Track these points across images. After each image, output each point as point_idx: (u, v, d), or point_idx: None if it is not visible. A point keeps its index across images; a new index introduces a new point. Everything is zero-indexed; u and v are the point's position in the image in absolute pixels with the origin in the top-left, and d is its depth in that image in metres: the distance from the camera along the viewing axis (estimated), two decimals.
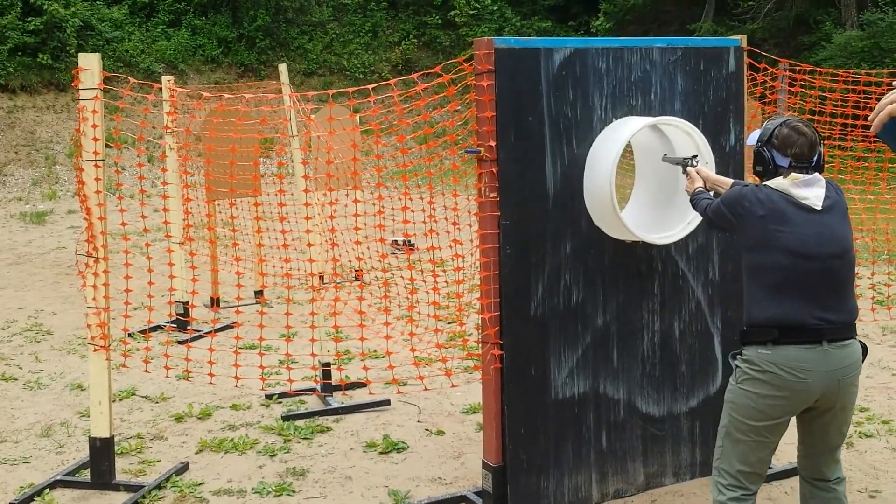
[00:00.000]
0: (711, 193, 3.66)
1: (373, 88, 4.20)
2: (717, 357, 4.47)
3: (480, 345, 4.06)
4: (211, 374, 4.82)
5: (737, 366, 3.30)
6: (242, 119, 6.96)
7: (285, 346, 5.94)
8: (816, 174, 3.24)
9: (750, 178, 3.90)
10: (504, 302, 3.94)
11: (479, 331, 4.08)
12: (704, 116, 4.31)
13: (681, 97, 4.25)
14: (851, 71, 8.19)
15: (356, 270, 9.57)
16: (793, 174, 3.21)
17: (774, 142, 3.25)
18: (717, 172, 4.30)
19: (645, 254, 4.23)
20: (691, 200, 3.69)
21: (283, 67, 5.86)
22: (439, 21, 28.60)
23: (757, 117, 9.27)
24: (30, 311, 8.57)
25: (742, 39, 4.44)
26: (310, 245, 5.98)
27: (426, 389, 5.22)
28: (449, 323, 5.69)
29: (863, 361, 3.28)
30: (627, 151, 4.12)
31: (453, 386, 4.97)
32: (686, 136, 4.06)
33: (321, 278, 9.38)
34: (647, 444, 4.32)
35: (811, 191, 3.19)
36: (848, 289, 3.24)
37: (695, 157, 3.91)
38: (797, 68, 7.68)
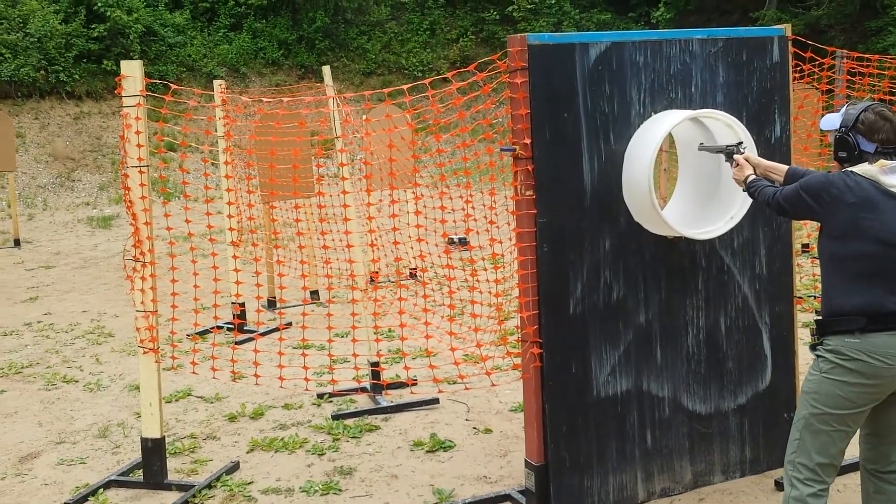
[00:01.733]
0: (764, 182, 3.57)
1: (429, 83, 4.22)
2: (766, 353, 4.37)
3: (520, 343, 4.04)
4: (256, 375, 4.90)
5: (819, 356, 3.25)
6: (280, 123, 7.07)
7: (338, 345, 5.99)
8: None
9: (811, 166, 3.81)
10: (542, 300, 3.91)
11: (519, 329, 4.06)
12: (748, 108, 4.22)
13: (723, 89, 4.16)
14: None
15: (411, 269, 9.65)
16: (881, 160, 3.15)
17: (860, 127, 3.19)
18: None
19: (687, 249, 4.15)
20: (748, 189, 3.60)
21: (326, 69, 5.92)
22: (497, 17, 28.51)
23: (822, 101, 9.05)
24: (93, 314, 8.81)
25: (787, 28, 4.34)
26: (349, 246, 6.01)
27: (467, 389, 5.22)
28: (489, 320, 5.68)
29: None
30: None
31: (493, 385, 4.97)
32: (728, 129, 3.98)
33: (372, 279, 9.50)
34: (694, 442, 4.25)
35: None
36: None
37: (740, 143, 3.81)
38: (850, 56, 7.47)
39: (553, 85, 3.84)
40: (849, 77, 8.07)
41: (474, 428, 5.32)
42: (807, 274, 9.17)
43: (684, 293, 4.18)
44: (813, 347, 3.31)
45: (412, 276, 9.68)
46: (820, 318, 3.30)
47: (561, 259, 3.92)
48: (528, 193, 3.86)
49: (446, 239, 7.97)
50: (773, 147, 4.29)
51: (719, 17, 26.90)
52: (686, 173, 4.37)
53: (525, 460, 4.11)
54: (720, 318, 4.26)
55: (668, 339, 4.16)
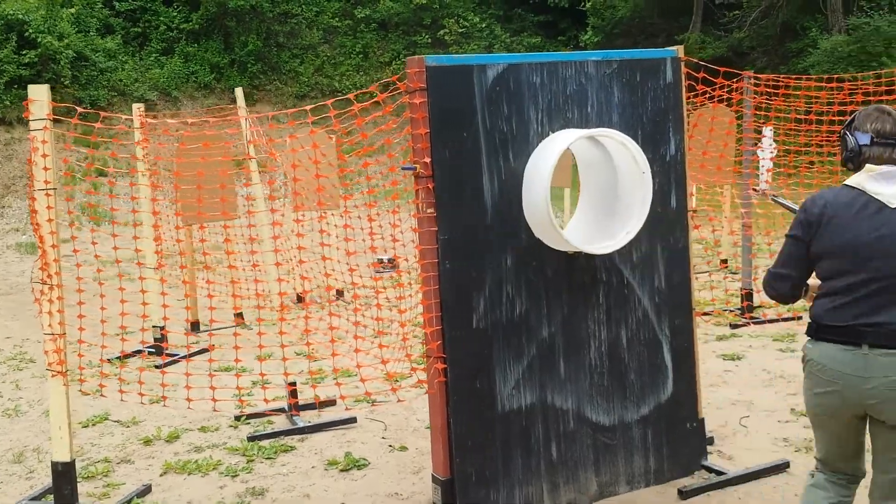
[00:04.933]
0: None
1: (330, 104, 4.27)
2: (666, 364, 4.50)
3: (425, 359, 4.10)
4: (164, 398, 4.88)
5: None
6: (208, 144, 7.09)
7: (260, 366, 5.98)
8: None
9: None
10: (446, 316, 3.98)
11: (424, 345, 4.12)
12: (643, 127, 4.36)
13: (618, 109, 4.30)
14: (816, 76, 8.25)
15: (337, 290, 9.67)
16: (868, 165, 3.02)
17: (855, 122, 3.10)
18: (658, 182, 4.38)
19: (588, 264, 4.27)
20: None
21: (239, 91, 5.95)
22: (429, 40, 28.78)
23: (733, 122, 9.36)
24: (16, 339, 8.66)
25: (679, 50, 4.50)
26: (278, 265, 6.04)
27: (374, 406, 5.27)
28: (396, 337, 5.76)
29: None
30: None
31: (400, 401, 5.03)
32: (622, 148, 4.11)
33: (300, 298, 9.49)
34: (598, 454, 4.35)
35: (890, 186, 2.97)
36: None
37: None
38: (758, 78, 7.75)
39: (452, 105, 3.93)
40: (767, 98, 8.37)
41: (390, 446, 5.35)
42: (723, 288, 9.43)
43: (586, 307, 4.29)
44: None
45: (339, 296, 9.71)
46: None
47: (463, 275, 4.00)
48: (429, 211, 3.93)
49: (375, 260, 8.08)
50: (668, 165, 4.44)
51: (645, 39, 27.50)
52: (587, 190, 4.50)
53: (432, 475, 4.15)
54: (621, 330, 4.38)
55: (570, 353, 4.26)
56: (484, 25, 29.84)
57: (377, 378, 5.35)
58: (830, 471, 3.22)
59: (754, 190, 19.36)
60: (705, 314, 8.43)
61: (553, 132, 4.14)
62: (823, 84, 8.44)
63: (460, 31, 28.90)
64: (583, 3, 28.02)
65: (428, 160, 3.90)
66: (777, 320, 7.98)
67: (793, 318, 7.99)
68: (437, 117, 3.90)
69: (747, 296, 8.22)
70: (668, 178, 4.45)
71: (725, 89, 7.96)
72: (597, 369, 4.33)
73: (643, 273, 4.42)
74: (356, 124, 4.06)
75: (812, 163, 12.22)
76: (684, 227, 4.53)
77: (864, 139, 3.04)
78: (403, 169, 4.00)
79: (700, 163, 9.82)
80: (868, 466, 3.22)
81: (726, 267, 10.95)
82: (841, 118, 8.18)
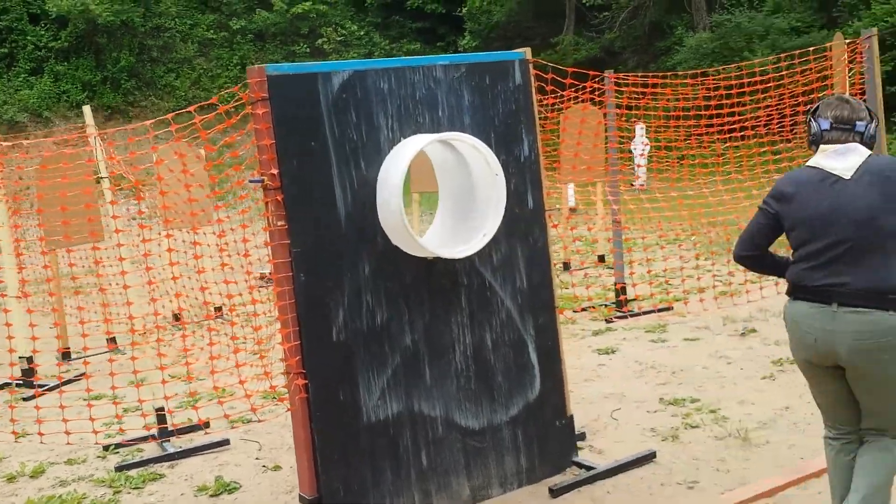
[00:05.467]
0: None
1: (171, 118, 4.13)
2: (533, 364, 4.52)
3: (285, 376, 4.00)
4: (41, 433, 4.63)
5: None
6: (67, 164, 6.79)
7: (132, 392, 5.77)
8: (855, 144, 3.30)
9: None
10: (304, 330, 3.89)
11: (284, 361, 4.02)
12: (495, 129, 4.38)
13: (469, 112, 4.30)
14: (683, 73, 8.50)
15: (215, 307, 9.42)
16: (823, 145, 3.35)
17: (818, 111, 3.41)
18: (513, 183, 4.41)
19: (448, 268, 4.25)
20: None
21: (86, 109, 5.71)
22: (307, 49, 28.56)
23: (601, 122, 9.54)
24: None
25: (526, 52, 4.53)
26: (151, 283, 5.84)
27: (234, 428, 5.14)
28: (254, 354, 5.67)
29: None
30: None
31: (261, 421, 4.93)
32: (474, 150, 4.11)
33: (177, 317, 9.20)
34: (469, 458, 4.33)
35: (843, 160, 3.28)
36: (877, 257, 3.18)
37: None
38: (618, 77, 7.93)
39: (297, 114, 3.85)
40: (635, 97, 8.55)
41: (264, 466, 5.21)
42: (600, 283, 9.61)
43: (448, 312, 4.27)
44: None
45: (218, 312, 9.46)
46: None
47: (319, 287, 3.92)
48: (279, 224, 3.84)
49: (255, 276, 7.89)
50: (522, 165, 4.47)
51: (522, 42, 27.95)
52: (444, 194, 4.48)
53: (299, 495, 4.05)
54: (486, 333, 4.38)
55: (435, 359, 4.23)
56: (363, 33, 29.80)
57: (243, 397, 5.21)
58: (832, 426, 3.50)
59: (630, 185, 19.91)
60: (582, 310, 8.58)
61: (405, 138, 4.10)
62: (688, 81, 8.69)
63: (339, 39, 28.77)
64: (459, 9, 28.29)
65: (275, 171, 3.81)
66: (650, 311, 8.18)
67: (665, 309, 8.21)
68: (283, 127, 3.82)
69: (621, 290, 8.40)
70: (524, 179, 4.48)
71: (589, 91, 8.10)
72: (463, 373, 4.32)
73: (504, 274, 4.43)
74: (202, 137, 3.93)
75: (683, 156, 12.64)
76: (542, 226, 4.57)
77: (825, 125, 3.35)
78: (251, 182, 3.90)
79: (572, 163, 10.05)
80: None
81: (603, 263, 11.17)
82: (707, 112, 8.44)
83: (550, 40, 27.13)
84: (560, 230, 11.32)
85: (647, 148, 18.03)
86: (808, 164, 3.41)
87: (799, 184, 3.36)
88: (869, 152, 3.32)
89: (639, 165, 18.46)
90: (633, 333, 7.56)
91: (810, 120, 3.43)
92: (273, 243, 3.87)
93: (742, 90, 8.42)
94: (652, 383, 6.10)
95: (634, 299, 8.60)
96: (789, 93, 8.20)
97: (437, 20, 30.96)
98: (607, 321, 8.06)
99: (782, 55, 8.60)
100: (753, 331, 7.28)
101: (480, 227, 4.17)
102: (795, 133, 9.18)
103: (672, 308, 8.25)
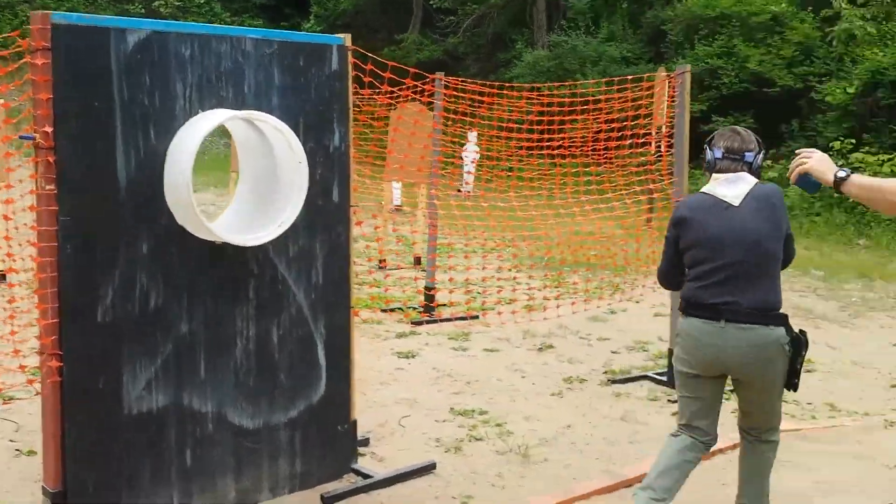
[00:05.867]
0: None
1: None
2: (320, 364, 4.32)
3: (39, 356, 3.60)
4: None
5: None
6: None
7: None
8: (744, 174, 3.67)
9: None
10: (64, 307, 3.51)
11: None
12: (306, 115, 4.14)
13: (279, 93, 4.04)
14: (518, 86, 8.53)
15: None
16: (714, 175, 3.70)
17: (712, 140, 3.76)
18: (320, 173, 4.19)
19: (239, 256, 3.97)
20: None
21: None
22: (143, 10, 27.10)
23: (437, 126, 9.45)
24: None
25: (346, 38, 4.32)
26: None
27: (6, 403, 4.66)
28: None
29: (797, 348, 3.60)
30: None
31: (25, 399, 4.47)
32: (278, 133, 3.86)
33: None
34: (240, 459, 4.07)
35: (732, 188, 3.64)
36: (761, 278, 3.57)
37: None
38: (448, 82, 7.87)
39: (82, 70, 3.46)
40: (473, 104, 8.48)
41: (17, 450, 4.73)
42: (414, 286, 9.53)
43: (234, 302, 3.99)
44: None
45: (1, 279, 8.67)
46: None
47: (88, 262, 3.55)
48: (48, 188, 3.44)
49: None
50: (331, 156, 4.26)
51: (367, 34, 27.67)
52: (245, 176, 4.21)
53: (42, 487, 3.66)
54: (272, 328, 4.13)
55: (214, 352, 3.94)
56: (203, 1, 28.62)
57: (17, 369, 4.72)
58: (689, 433, 3.79)
59: (458, 191, 20.08)
60: (390, 311, 8.45)
61: (204, 111, 3.79)
62: (523, 94, 8.73)
63: (177, 4, 27.49)
64: None
65: (49, 129, 3.41)
66: (457, 318, 8.16)
67: (472, 318, 8.21)
68: (64, 82, 3.42)
69: (429, 294, 8.33)
70: (332, 171, 4.27)
71: (427, 94, 8.00)
72: (243, 369, 4.05)
73: (300, 268, 4.20)
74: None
75: (511, 168, 12.79)
76: (346, 222, 4.37)
77: (718, 154, 3.70)
78: (21, 138, 3.48)
79: (400, 162, 9.91)
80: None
81: (419, 265, 11.11)
82: (539, 127, 8.49)
83: (395, 36, 27.06)
84: (381, 229, 11.18)
85: (478, 156, 18.24)
86: (702, 190, 3.75)
87: (693, 209, 3.71)
88: (756, 181, 3.68)
89: (468, 172, 18.66)
90: (436, 339, 7.50)
91: (706, 148, 3.77)
92: (39, 208, 3.47)
93: (573, 108, 8.55)
94: (446, 391, 6.03)
95: (445, 305, 8.56)
96: (610, 118, 8.40)
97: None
98: (413, 324, 7.96)
99: (607, 79, 8.81)
100: (551, 346, 7.38)
101: (278, 216, 3.93)
102: (608, 158, 9.42)
103: (478, 317, 8.26)
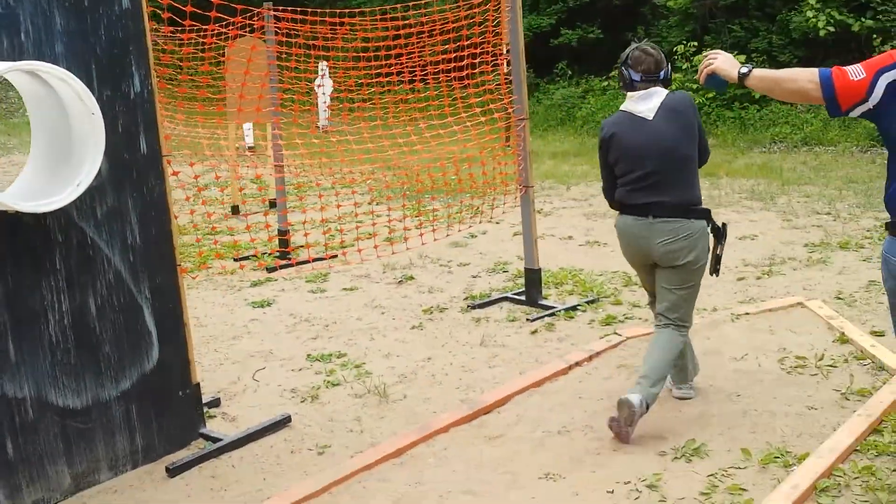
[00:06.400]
0: None
1: None
2: (149, 330, 4.02)
3: None
4: None
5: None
6: None
7: None
8: (657, 88, 4.07)
9: None
10: None
11: None
12: (98, 60, 3.75)
13: (63, 38, 3.63)
14: (370, 10, 8.16)
15: None
16: (630, 93, 4.11)
17: (629, 62, 4.10)
18: (124, 124, 3.85)
19: (38, 224, 3.60)
20: None
21: None
22: None
23: (274, 62, 8.99)
24: None
25: None
26: None
27: None
28: None
29: (717, 237, 4.26)
30: None
31: None
32: (64, 84, 3.47)
33: None
34: (70, 442, 3.76)
35: (646, 104, 4.06)
36: (680, 180, 4.06)
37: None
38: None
39: None
40: (328, 33, 8.05)
41: None
42: (268, 232, 9.18)
43: (39, 274, 3.63)
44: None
45: None
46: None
47: None
48: None
49: None
50: (133, 104, 3.89)
51: None
52: (37, 134, 3.78)
53: None
54: (89, 298, 3.79)
55: (23, 331, 3.58)
56: None
57: None
58: (656, 320, 4.29)
59: (317, 127, 19.56)
60: (244, 259, 8.13)
61: None
62: (365, 21, 8.33)
63: None
64: None
65: None
66: (317, 260, 7.90)
67: (331, 258, 7.97)
68: None
69: (283, 238, 8.03)
70: (136, 119, 3.91)
71: (245, 27, 7.54)
72: (60, 346, 3.71)
73: (111, 229, 3.85)
74: None
75: (365, 99, 12.43)
76: (160, 173, 4.03)
77: (637, 77, 4.09)
78: None
79: (238, 104, 9.42)
80: None
81: (274, 208, 10.73)
82: (393, 52, 8.14)
83: None
84: (231, 172, 10.71)
85: (330, 88, 17.73)
86: (620, 108, 4.19)
87: (616, 126, 4.14)
88: (666, 91, 4.09)
89: (329, 106, 18.12)
90: (293, 284, 7.25)
91: (622, 69, 4.14)
92: None
93: (421, 31, 8.24)
94: (303, 338, 5.82)
95: (301, 247, 8.28)
96: (457, 36, 8.15)
97: None
98: (269, 270, 7.67)
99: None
100: (411, 278, 7.25)
101: (75, 176, 3.56)
102: (458, 79, 9.20)
103: (336, 256, 8.03)
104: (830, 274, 6.71)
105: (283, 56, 7.87)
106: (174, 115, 9.36)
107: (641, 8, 18.60)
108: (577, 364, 4.99)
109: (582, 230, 8.87)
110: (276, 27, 7.62)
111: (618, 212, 4.25)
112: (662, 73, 4.07)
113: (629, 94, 4.12)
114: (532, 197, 6.37)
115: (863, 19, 14.92)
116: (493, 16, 6.85)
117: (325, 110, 17.96)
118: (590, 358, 5.09)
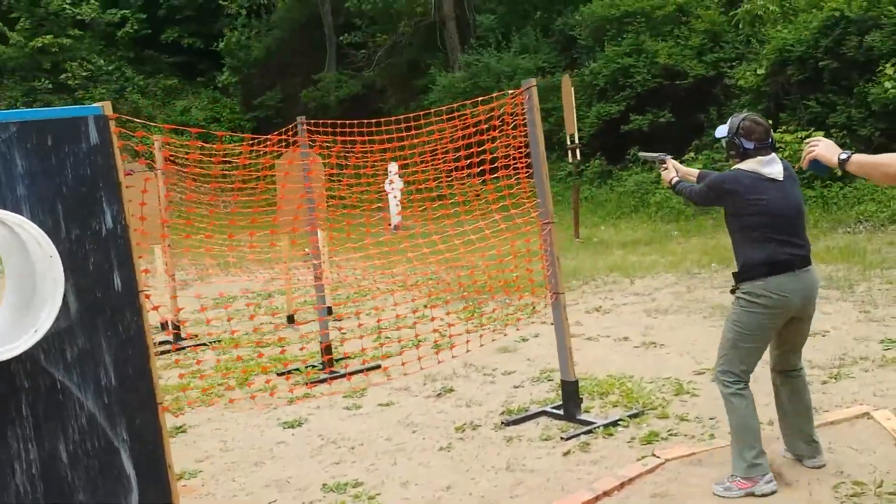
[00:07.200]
0: (685, 182, 4.94)
1: None
2: (127, 472, 3.81)
3: None
4: None
5: (738, 297, 4.44)
6: None
7: None
8: (774, 154, 4.42)
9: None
10: None
11: None
12: (64, 199, 3.66)
13: (25, 180, 3.55)
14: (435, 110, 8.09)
15: None
16: (758, 157, 4.38)
17: (741, 132, 4.42)
18: (95, 262, 3.72)
19: (2, 370, 3.47)
20: (674, 188, 4.94)
21: None
22: (50, 86, 26.48)
23: (323, 172, 9.00)
24: None
25: (105, 106, 3.85)
26: None
27: None
28: None
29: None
30: None
31: None
32: (20, 229, 3.38)
33: None
34: None
35: (773, 167, 4.38)
36: (804, 231, 4.44)
37: (666, 154, 5.21)
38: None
39: None
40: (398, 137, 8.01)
41: None
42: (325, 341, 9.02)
43: (5, 423, 3.48)
44: (732, 291, 4.50)
45: None
46: (736, 271, 4.47)
47: None
48: None
49: None
50: (105, 240, 3.77)
51: (283, 79, 27.23)
52: (9, 277, 3.71)
53: None
54: (59, 444, 3.62)
55: None
56: (112, 68, 28.04)
57: None
58: (747, 377, 4.55)
59: (389, 225, 19.61)
60: (287, 373, 7.95)
61: None
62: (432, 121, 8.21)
63: (85, 74, 26.90)
64: (216, 44, 27.25)
65: None
66: (358, 371, 7.67)
67: (373, 368, 7.72)
68: None
69: (326, 349, 7.85)
70: (108, 256, 3.78)
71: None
72: (28, 497, 3.53)
73: (83, 371, 3.69)
74: None
75: (441, 196, 12.33)
76: (136, 309, 3.88)
77: (750, 145, 4.40)
78: None
79: (294, 214, 9.42)
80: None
81: (331, 315, 10.61)
82: (458, 150, 7.96)
83: (313, 77, 26.64)
84: (287, 281, 10.67)
85: (401, 184, 17.84)
86: (742, 168, 4.43)
87: (746, 180, 4.37)
88: (779, 158, 4.47)
89: (399, 203, 18.20)
90: (330, 400, 7.00)
91: (733, 139, 4.45)
92: None
93: (482, 127, 8.08)
94: (326, 462, 5.54)
95: (342, 358, 8.08)
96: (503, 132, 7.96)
97: (195, 55, 29.71)
98: (308, 385, 7.47)
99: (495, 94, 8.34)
100: (451, 390, 6.93)
101: (34, 322, 3.43)
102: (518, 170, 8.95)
103: (381, 366, 7.78)
104: None
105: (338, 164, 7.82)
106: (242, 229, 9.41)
107: (713, 89, 18.21)
108: (606, 494, 4.55)
109: (640, 329, 8.40)
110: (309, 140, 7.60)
111: (753, 279, 4.36)
112: (772, 140, 4.42)
113: (757, 158, 4.38)
114: (563, 303, 6.02)
115: None
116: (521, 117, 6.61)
117: (396, 208, 18.05)
118: (621, 486, 4.64)
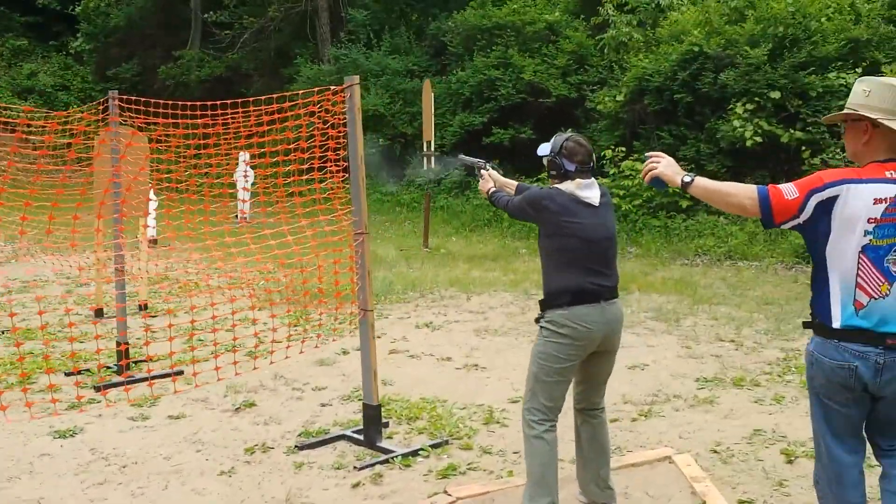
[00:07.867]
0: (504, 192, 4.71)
1: None
2: None
3: None
4: None
5: (542, 326, 4.24)
6: None
7: None
8: (593, 179, 4.28)
9: None
10: None
11: None
12: None
13: None
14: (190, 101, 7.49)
15: None
16: (577, 179, 4.23)
17: (564, 152, 4.27)
18: None
19: None
20: (490, 198, 4.72)
21: None
22: None
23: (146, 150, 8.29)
24: None
25: None
26: None
27: None
28: None
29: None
30: None
31: None
32: None
33: None
34: None
35: (591, 192, 4.23)
36: (614, 262, 4.30)
37: (488, 161, 4.96)
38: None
39: None
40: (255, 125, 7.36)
41: None
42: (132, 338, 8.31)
43: None
44: (537, 320, 4.29)
45: None
46: (542, 298, 4.28)
47: None
48: None
49: None
50: None
51: (143, 51, 25.93)
52: None
53: None
54: None
55: None
56: None
57: None
58: (554, 415, 4.31)
59: (235, 217, 18.80)
60: (77, 372, 7.23)
61: None
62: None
63: None
64: (72, 7, 25.63)
65: None
66: (158, 376, 7.05)
67: (176, 373, 7.12)
68: None
69: (124, 351, 7.18)
70: None
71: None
72: None
73: None
74: None
75: (293, 193, 11.70)
76: None
77: (571, 167, 4.25)
78: None
79: (101, 199, 8.65)
80: None
81: (146, 310, 9.89)
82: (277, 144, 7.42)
83: (173, 52, 25.42)
84: (99, 270, 9.86)
85: (252, 177, 17.12)
86: (560, 188, 4.24)
87: (562, 201, 4.19)
88: (597, 183, 4.33)
89: (242, 200, 17.47)
90: (115, 409, 6.35)
91: (554, 158, 4.27)
92: None
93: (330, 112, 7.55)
94: (89, 482, 4.95)
95: (143, 360, 7.42)
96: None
97: (49, 16, 27.89)
98: (96, 389, 6.79)
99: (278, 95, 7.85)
100: (252, 405, 6.42)
101: None
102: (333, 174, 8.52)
103: (182, 372, 7.19)
104: (714, 418, 6.01)
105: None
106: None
107: (575, 110, 18.34)
108: None
109: (466, 350, 8.11)
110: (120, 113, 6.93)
111: (556, 307, 4.18)
112: (592, 163, 4.29)
113: (576, 181, 4.21)
114: (372, 321, 5.62)
115: (792, 130, 14.67)
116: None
117: (246, 200, 17.29)
118: None
